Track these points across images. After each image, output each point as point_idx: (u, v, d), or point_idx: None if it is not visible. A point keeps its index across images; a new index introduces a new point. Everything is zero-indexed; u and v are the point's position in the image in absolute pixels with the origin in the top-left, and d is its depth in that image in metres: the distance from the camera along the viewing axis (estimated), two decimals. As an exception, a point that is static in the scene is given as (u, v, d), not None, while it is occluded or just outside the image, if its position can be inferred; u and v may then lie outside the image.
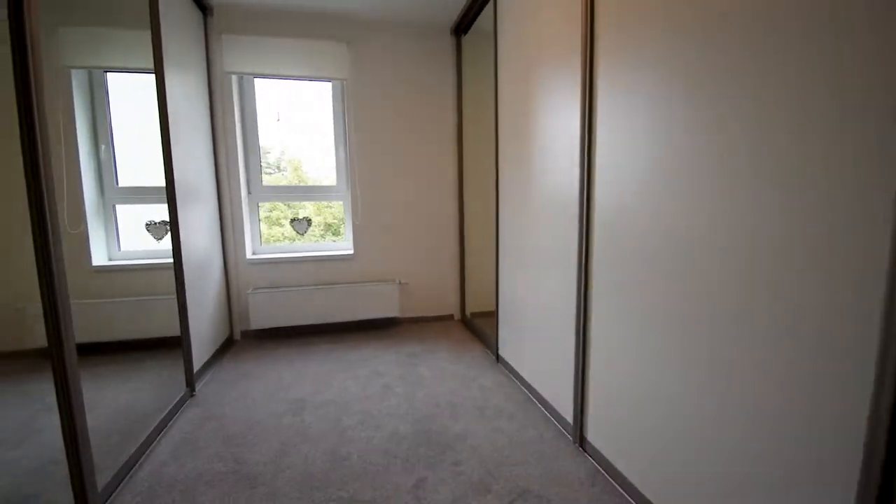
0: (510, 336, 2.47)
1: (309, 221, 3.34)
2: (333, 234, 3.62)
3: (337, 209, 3.55)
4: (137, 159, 2.48)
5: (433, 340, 3.04)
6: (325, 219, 3.75)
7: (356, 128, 3.19)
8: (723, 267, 1.04)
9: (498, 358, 2.62)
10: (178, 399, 2.10)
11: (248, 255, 3.13)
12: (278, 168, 3.92)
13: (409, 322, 3.43)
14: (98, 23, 2.42)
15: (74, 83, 2.77)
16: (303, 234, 3.33)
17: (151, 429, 1.83)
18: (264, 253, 3.28)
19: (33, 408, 2.07)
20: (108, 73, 2.46)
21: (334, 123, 3.33)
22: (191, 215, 2.48)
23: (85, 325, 1.99)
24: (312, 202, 3.50)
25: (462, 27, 3.12)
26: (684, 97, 1.14)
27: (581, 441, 1.71)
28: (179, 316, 2.23)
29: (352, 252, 3.28)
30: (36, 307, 2.43)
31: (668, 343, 1.23)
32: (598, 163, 1.54)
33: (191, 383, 2.26)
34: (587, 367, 1.68)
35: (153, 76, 2.12)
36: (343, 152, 3.30)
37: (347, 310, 3.20)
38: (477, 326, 3.15)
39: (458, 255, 3.48)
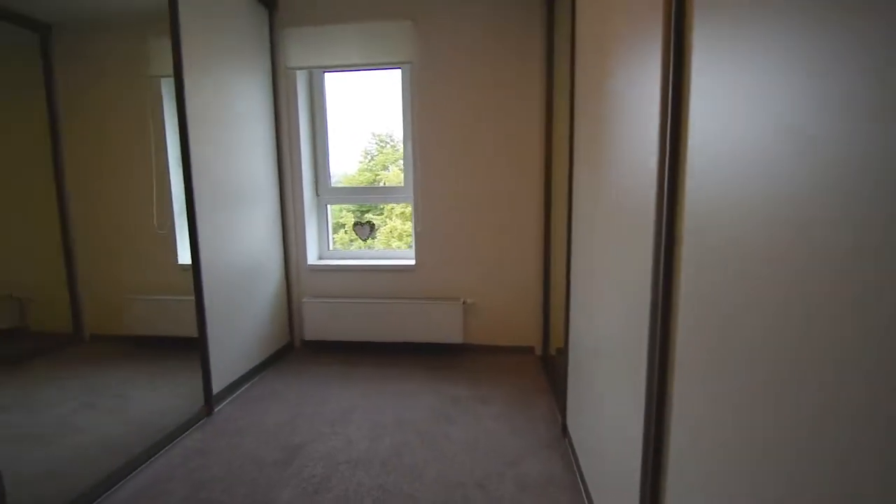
0: (578, 398, 1.69)
1: (372, 226, 3.02)
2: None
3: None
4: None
5: (493, 382, 2.40)
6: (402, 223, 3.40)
7: (421, 119, 2.72)
8: None
9: (564, 429, 1.87)
10: (185, 420, 1.97)
11: (311, 261, 2.96)
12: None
13: (475, 351, 2.84)
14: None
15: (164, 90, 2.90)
16: (365, 240, 3.02)
17: (141, 450, 1.69)
18: (332, 258, 3.08)
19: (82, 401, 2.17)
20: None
21: (402, 116, 2.92)
22: (237, 216, 2.36)
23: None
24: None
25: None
26: None
27: None
28: (198, 326, 2.10)
29: (413, 263, 2.85)
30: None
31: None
32: (693, 143, 0.75)
33: (209, 401, 2.12)
34: (662, 489, 0.89)
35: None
36: (410, 148, 2.87)
37: (403, 329, 2.78)
38: (557, 371, 2.40)
39: (541, 274, 2.75)
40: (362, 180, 3.32)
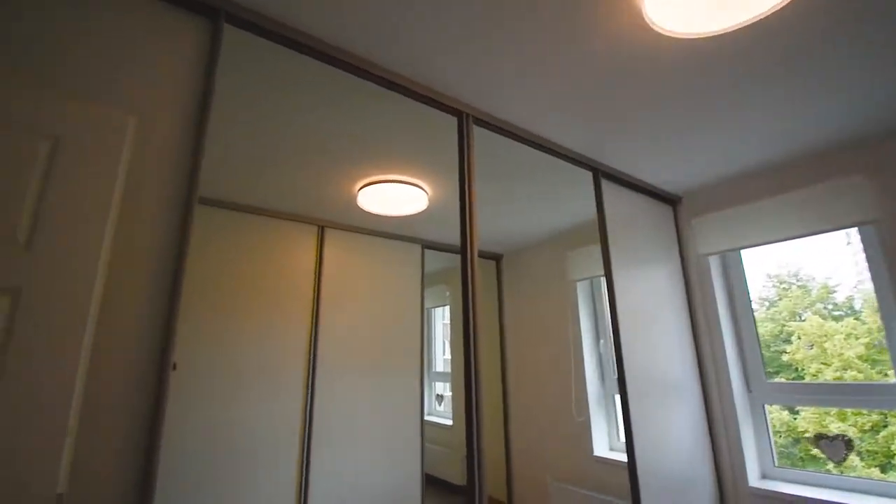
0: None
1: (848, 443, 2.11)
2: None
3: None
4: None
5: None
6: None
7: (919, 288, 1.92)
8: None
9: None
10: None
11: (752, 482, 2.30)
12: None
13: None
14: (593, 241, 2.70)
15: (580, 290, 3.46)
16: (838, 463, 2.11)
17: None
18: (779, 479, 2.31)
19: None
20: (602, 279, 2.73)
21: (874, 283, 2.17)
22: (661, 414, 2.20)
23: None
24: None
25: None
26: None
27: None
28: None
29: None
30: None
31: None
32: None
33: None
34: None
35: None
36: (901, 330, 2.01)
37: None
38: None
39: None
40: (763, 332, 2.58)
